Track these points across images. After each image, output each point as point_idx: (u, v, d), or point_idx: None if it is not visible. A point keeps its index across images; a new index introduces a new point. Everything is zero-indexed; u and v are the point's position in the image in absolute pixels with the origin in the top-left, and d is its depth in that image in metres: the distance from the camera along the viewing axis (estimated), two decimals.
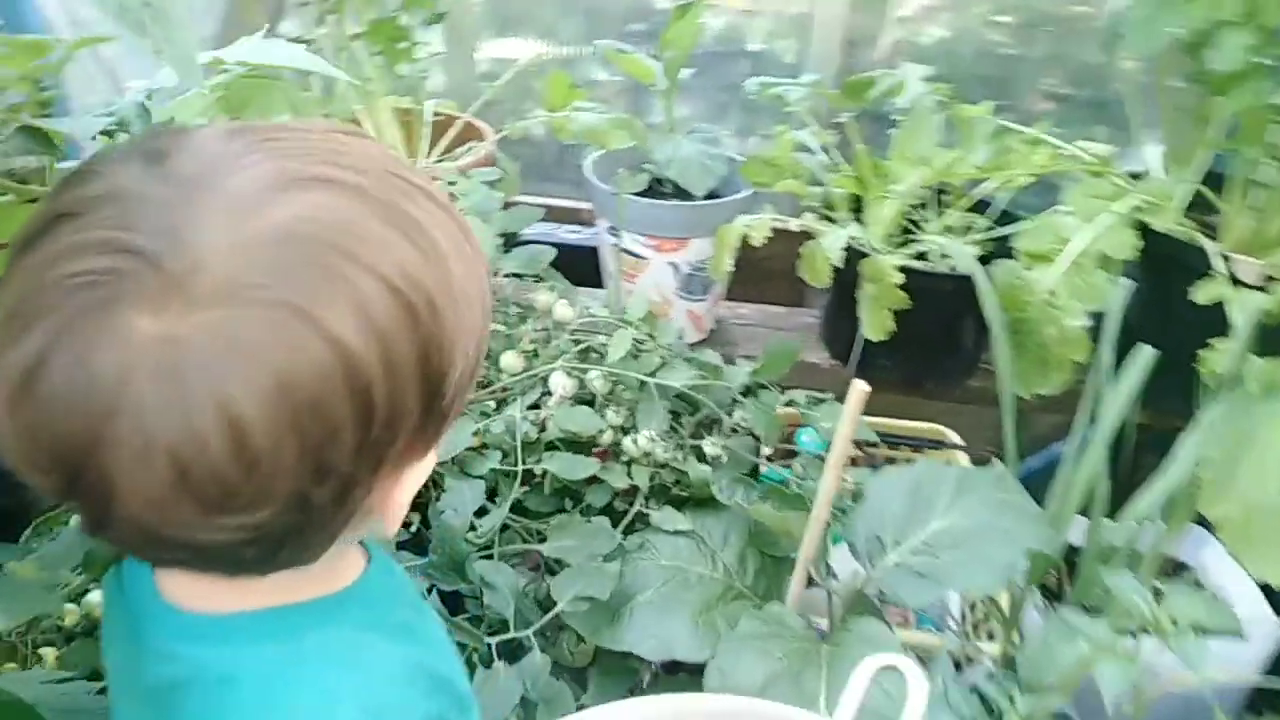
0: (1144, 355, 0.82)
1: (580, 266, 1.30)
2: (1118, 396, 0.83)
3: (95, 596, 0.86)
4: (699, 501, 0.96)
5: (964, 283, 1.01)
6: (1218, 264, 0.98)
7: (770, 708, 0.65)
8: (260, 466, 0.36)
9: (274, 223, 0.37)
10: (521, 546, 0.93)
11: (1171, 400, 0.88)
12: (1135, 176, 1.12)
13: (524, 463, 0.94)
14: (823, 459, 0.82)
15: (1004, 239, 1.14)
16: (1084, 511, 0.85)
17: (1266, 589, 1.01)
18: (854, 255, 1.12)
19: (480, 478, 0.94)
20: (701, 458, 1.00)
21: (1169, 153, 1.14)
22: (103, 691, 0.66)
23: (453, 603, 0.88)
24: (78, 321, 0.35)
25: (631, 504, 0.97)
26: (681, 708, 0.65)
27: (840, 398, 0.76)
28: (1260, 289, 0.96)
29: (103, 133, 0.79)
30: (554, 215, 1.51)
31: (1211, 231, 1.07)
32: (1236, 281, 0.97)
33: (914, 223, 1.24)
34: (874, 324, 1.11)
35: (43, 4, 1.33)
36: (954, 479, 0.85)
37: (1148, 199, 1.05)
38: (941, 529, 0.81)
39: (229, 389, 0.35)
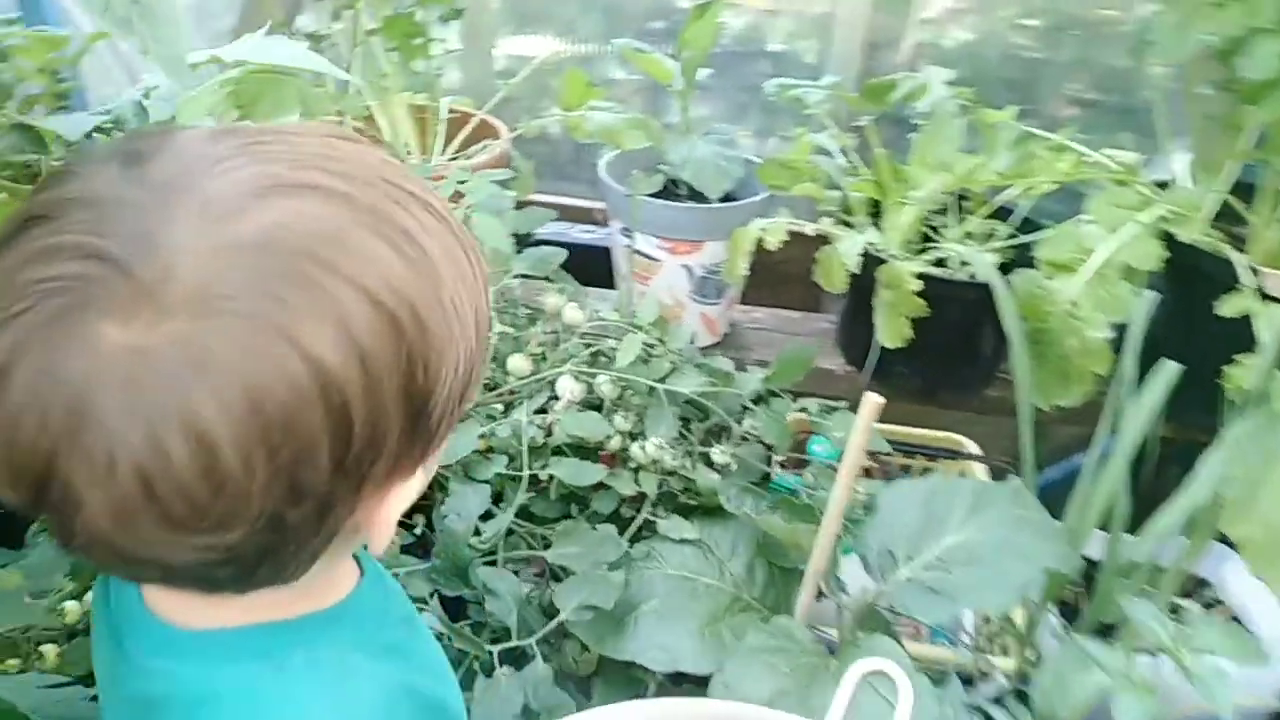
0: (1168, 370, 0.81)
1: (593, 267, 1.29)
2: (1140, 410, 0.81)
3: None
4: (707, 510, 0.95)
5: (983, 291, 0.99)
6: (1245, 277, 0.96)
7: (769, 715, 0.64)
8: (229, 485, 0.35)
9: (251, 230, 0.36)
10: (526, 553, 0.92)
11: (1195, 414, 0.87)
12: (1161, 185, 1.10)
13: (530, 468, 0.93)
14: (834, 468, 0.81)
15: (1025, 247, 1.12)
16: (1103, 526, 0.83)
17: None
18: (871, 261, 1.10)
19: (485, 482, 0.93)
20: (710, 465, 0.99)
21: (1197, 161, 1.12)
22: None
23: (456, 608, 0.87)
24: (45, 329, 0.34)
25: (638, 511, 0.96)
26: (682, 711, 0.64)
27: (855, 405, 0.74)
28: None
29: (98, 130, 0.78)
30: (567, 215, 1.50)
31: (1239, 243, 1.04)
32: (1264, 295, 0.95)
33: (933, 229, 1.23)
34: (891, 331, 1.09)
35: None
36: (969, 493, 0.83)
37: (1174, 209, 1.03)
38: (956, 544, 0.80)
39: (196, 404, 0.34)
